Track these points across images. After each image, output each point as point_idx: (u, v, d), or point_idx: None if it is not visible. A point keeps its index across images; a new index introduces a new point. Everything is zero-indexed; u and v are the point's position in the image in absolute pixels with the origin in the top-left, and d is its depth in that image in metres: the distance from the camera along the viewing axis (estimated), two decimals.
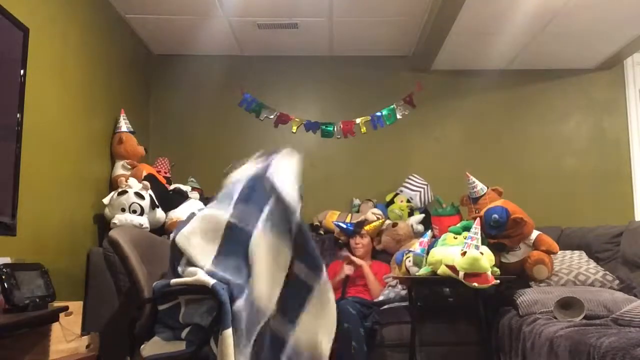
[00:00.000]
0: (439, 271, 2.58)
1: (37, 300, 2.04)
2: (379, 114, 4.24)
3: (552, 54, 4.00)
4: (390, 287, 3.17)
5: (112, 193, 3.07)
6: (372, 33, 3.89)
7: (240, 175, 2.12)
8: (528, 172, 4.18)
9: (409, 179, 3.94)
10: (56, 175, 2.73)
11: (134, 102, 3.86)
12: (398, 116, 4.24)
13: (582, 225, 3.59)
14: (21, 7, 2.36)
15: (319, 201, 3.99)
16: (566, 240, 3.47)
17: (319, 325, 1.90)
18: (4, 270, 1.96)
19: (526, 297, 2.68)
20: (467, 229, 2.71)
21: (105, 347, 2.53)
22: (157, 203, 3.16)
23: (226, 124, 4.21)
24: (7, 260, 2.16)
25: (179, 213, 3.27)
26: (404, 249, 3.12)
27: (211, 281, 1.82)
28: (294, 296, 1.91)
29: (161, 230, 3.23)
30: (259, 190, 2.03)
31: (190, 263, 1.92)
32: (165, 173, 3.71)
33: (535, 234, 2.93)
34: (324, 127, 4.22)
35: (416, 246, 2.87)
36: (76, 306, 2.34)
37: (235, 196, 2.04)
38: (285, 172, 2.06)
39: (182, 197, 3.41)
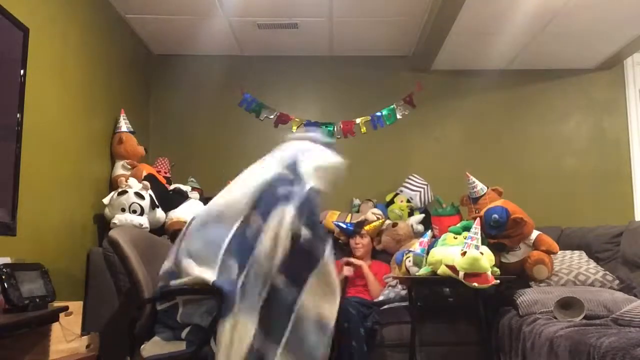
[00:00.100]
0: (439, 271, 2.58)
1: (37, 300, 2.04)
2: (379, 114, 4.24)
3: (552, 54, 4.00)
4: (390, 287, 3.18)
5: (112, 193, 3.07)
6: (372, 33, 3.89)
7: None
8: (528, 172, 4.18)
9: (409, 179, 3.94)
10: (56, 175, 2.73)
11: (134, 102, 3.86)
12: (398, 116, 4.24)
13: (582, 225, 3.59)
14: (21, 7, 2.36)
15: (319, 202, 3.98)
16: (566, 240, 3.47)
17: (323, 292, 1.91)
18: (4, 270, 1.96)
19: (526, 297, 2.68)
20: (467, 229, 2.71)
21: (105, 347, 2.53)
22: (157, 203, 3.16)
23: (226, 124, 4.21)
24: (7, 260, 2.16)
25: (179, 213, 3.28)
26: (404, 249, 3.12)
27: (211, 279, 1.83)
28: (301, 263, 1.91)
29: (161, 230, 3.23)
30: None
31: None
32: (165, 173, 3.71)
33: (535, 234, 2.93)
34: (324, 127, 4.22)
35: (416, 246, 2.87)
36: (76, 306, 2.34)
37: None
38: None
39: (182, 197, 3.41)
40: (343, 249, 3.56)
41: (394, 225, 3.53)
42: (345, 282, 3.24)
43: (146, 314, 2.04)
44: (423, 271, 2.70)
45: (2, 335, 1.87)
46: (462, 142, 4.23)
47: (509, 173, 4.14)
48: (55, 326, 2.16)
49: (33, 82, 2.44)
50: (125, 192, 3.02)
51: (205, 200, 3.55)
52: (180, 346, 1.91)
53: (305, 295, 1.89)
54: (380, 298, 3.14)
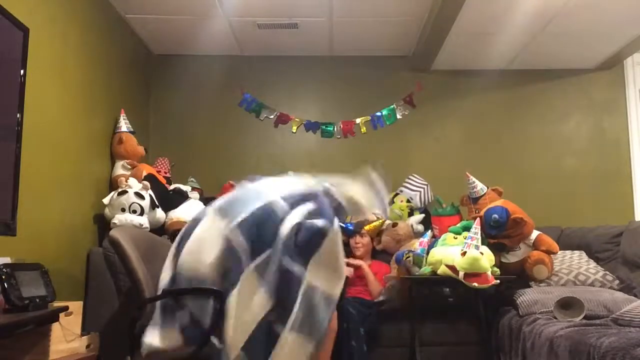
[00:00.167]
0: (439, 271, 2.58)
1: (37, 300, 2.04)
2: (379, 114, 4.24)
3: (552, 54, 4.00)
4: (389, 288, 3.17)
5: (112, 193, 3.07)
6: (372, 33, 3.89)
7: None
8: (528, 172, 4.18)
9: (409, 179, 3.94)
10: (56, 175, 2.73)
11: (134, 102, 3.86)
12: (398, 116, 4.24)
13: (582, 225, 3.59)
14: (21, 7, 2.36)
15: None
16: (566, 240, 3.47)
17: (328, 271, 1.97)
18: (4, 270, 1.96)
19: (526, 297, 2.68)
20: (467, 229, 2.71)
21: (105, 347, 2.53)
22: (157, 203, 3.16)
23: (226, 124, 4.21)
24: (7, 260, 2.16)
25: (179, 213, 3.27)
26: (404, 249, 3.12)
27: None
28: (307, 242, 1.98)
29: (161, 230, 3.23)
30: None
31: None
32: (165, 173, 3.71)
33: (535, 234, 2.93)
34: (324, 127, 4.22)
35: (416, 246, 2.87)
36: (76, 306, 2.34)
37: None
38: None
39: (182, 197, 3.41)
40: (343, 249, 3.56)
41: (394, 225, 3.53)
42: (345, 282, 3.23)
43: (147, 313, 2.04)
44: (423, 271, 2.70)
45: (2, 335, 1.87)
46: (462, 142, 4.23)
47: (509, 173, 4.14)
48: (55, 326, 2.16)
49: (33, 82, 2.43)
50: (125, 192, 3.02)
51: (205, 200, 3.55)
52: (175, 336, 1.93)
53: (310, 274, 1.95)
54: (380, 298, 3.13)
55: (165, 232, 3.22)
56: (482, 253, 2.47)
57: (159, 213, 3.19)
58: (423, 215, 3.78)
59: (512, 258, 2.90)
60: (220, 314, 1.95)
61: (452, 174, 3.97)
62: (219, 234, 1.98)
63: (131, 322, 2.04)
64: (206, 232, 2.01)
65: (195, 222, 2.08)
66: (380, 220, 3.57)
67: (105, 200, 3.05)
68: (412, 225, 3.62)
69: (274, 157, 4.16)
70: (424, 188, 3.88)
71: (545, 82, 4.27)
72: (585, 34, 3.66)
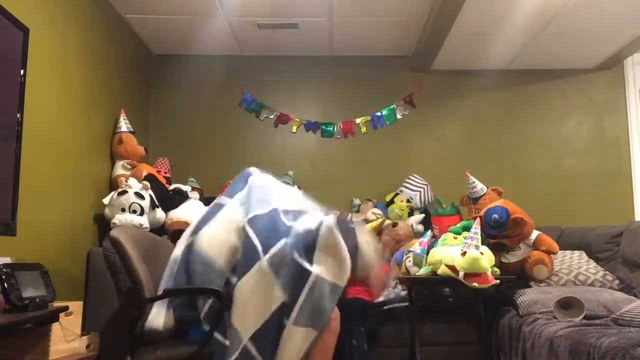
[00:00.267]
0: (439, 271, 2.58)
1: (37, 300, 2.04)
2: (379, 114, 4.24)
3: (552, 54, 4.00)
4: (390, 288, 3.17)
5: (112, 193, 3.07)
6: (372, 33, 3.89)
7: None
8: (528, 172, 4.18)
9: (409, 179, 3.94)
10: (56, 175, 2.73)
11: (134, 102, 3.86)
12: (398, 116, 4.24)
13: (582, 225, 3.59)
14: (21, 7, 2.36)
15: (319, 201, 3.98)
16: (566, 240, 3.47)
17: (334, 262, 2.07)
18: (4, 270, 1.96)
19: (526, 297, 2.68)
20: (467, 229, 2.71)
21: (105, 347, 2.53)
22: (157, 203, 3.16)
23: (226, 124, 4.21)
24: (7, 260, 2.16)
25: (179, 213, 3.27)
26: (403, 249, 3.12)
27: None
28: (305, 239, 2.11)
29: (161, 230, 3.23)
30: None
31: None
32: (165, 173, 3.71)
33: (535, 234, 2.93)
34: (324, 127, 4.22)
35: (416, 246, 2.87)
36: (76, 306, 2.35)
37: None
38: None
39: (182, 197, 3.41)
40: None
41: (394, 225, 3.53)
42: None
43: (147, 313, 2.04)
44: (423, 271, 2.70)
45: (2, 335, 1.87)
46: (462, 142, 4.23)
47: (509, 173, 4.14)
48: (55, 326, 2.16)
49: (33, 82, 2.44)
50: (125, 192, 3.02)
51: (205, 200, 3.55)
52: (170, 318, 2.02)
53: (317, 267, 2.04)
54: (380, 299, 3.13)
55: (165, 232, 3.22)
56: (482, 253, 2.47)
57: (159, 213, 3.19)
58: (423, 215, 3.78)
59: (512, 258, 2.90)
60: (221, 313, 1.98)
61: (452, 174, 3.97)
62: (238, 224, 2.18)
63: (131, 322, 2.04)
64: (229, 219, 2.20)
65: (219, 206, 2.27)
66: (381, 219, 3.58)
67: (105, 200, 3.05)
68: (412, 225, 3.62)
69: (274, 157, 4.16)
70: (424, 188, 3.88)
71: (545, 82, 4.27)
72: (585, 34, 3.66)
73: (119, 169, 3.37)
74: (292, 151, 4.20)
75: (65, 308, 2.19)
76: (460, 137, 4.24)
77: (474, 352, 2.86)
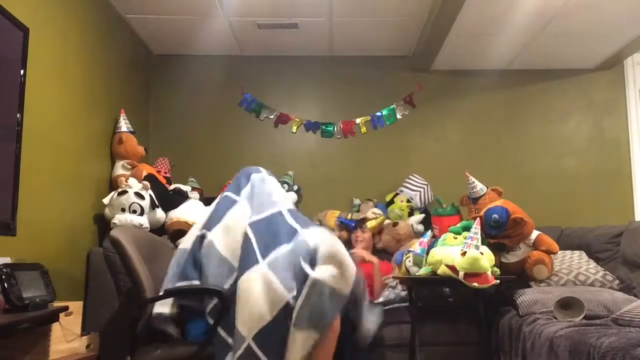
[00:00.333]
0: (439, 271, 2.58)
1: (37, 300, 2.04)
2: (379, 114, 4.24)
3: (552, 54, 4.00)
4: (390, 288, 3.17)
5: (112, 193, 3.07)
6: (372, 33, 3.89)
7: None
8: (528, 172, 4.18)
9: (409, 179, 3.94)
10: (56, 175, 2.73)
11: (134, 102, 3.86)
12: (398, 116, 4.24)
13: (582, 225, 3.59)
14: (21, 7, 2.36)
15: (319, 201, 3.99)
16: (566, 240, 3.47)
17: (334, 269, 2.06)
18: (4, 270, 1.96)
19: (526, 297, 2.68)
20: (467, 229, 2.71)
21: (105, 347, 2.53)
22: (157, 203, 3.16)
23: (226, 124, 4.21)
24: (7, 260, 2.16)
25: (179, 213, 3.27)
26: (403, 249, 3.12)
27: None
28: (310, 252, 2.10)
29: (161, 230, 3.23)
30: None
31: None
32: (165, 173, 3.71)
33: (535, 234, 2.93)
34: (324, 127, 4.22)
35: (416, 246, 2.87)
36: (76, 306, 2.35)
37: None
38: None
39: (182, 197, 3.41)
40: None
41: (395, 224, 3.54)
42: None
43: (147, 314, 2.05)
44: (423, 271, 2.70)
45: (2, 335, 1.87)
46: (462, 142, 4.23)
47: (509, 173, 4.14)
48: (55, 326, 2.16)
49: (33, 82, 2.43)
50: (125, 192, 3.02)
51: (205, 200, 3.55)
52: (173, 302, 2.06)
53: (317, 270, 2.04)
54: (380, 299, 3.13)
55: (165, 232, 3.22)
56: (482, 253, 2.47)
57: (159, 213, 3.19)
58: (423, 215, 3.78)
59: (512, 258, 2.90)
60: (222, 312, 1.99)
61: (452, 174, 3.97)
62: (245, 223, 2.21)
63: (132, 322, 2.04)
64: (239, 218, 2.24)
65: (231, 202, 2.32)
66: (382, 217, 3.59)
67: (105, 200, 3.05)
68: (412, 225, 3.63)
69: (274, 157, 4.16)
70: (424, 188, 3.88)
71: (545, 82, 4.27)
72: (585, 34, 3.66)
73: (119, 169, 3.37)
74: (292, 151, 4.20)
75: (65, 308, 2.19)
76: (460, 137, 4.24)
77: (474, 352, 2.86)
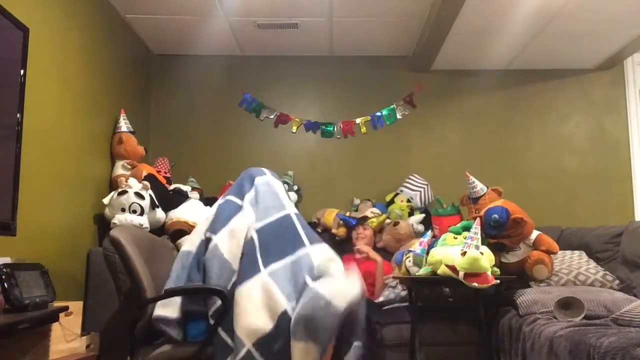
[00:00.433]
0: (439, 271, 2.58)
1: (37, 300, 2.04)
2: (379, 114, 4.24)
3: (552, 54, 4.00)
4: (390, 288, 3.17)
5: (112, 193, 3.07)
6: (372, 33, 3.89)
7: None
8: (528, 172, 4.18)
9: (409, 179, 3.94)
10: (56, 175, 2.73)
11: (134, 102, 3.86)
12: (398, 116, 4.24)
13: (582, 225, 3.59)
14: (21, 7, 2.37)
15: (319, 201, 3.99)
16: (566, 240, 3.47)
17: (334, 284, 2.04)
18: (4, 270, 1.96)
19: (526, 297, 2.68)
20: (467, 229, 2.71)
21: (105, 347, 2.53)
22: (157, 203, 3.16)
23: (226, 124, 4.21)
24: (7, 260, 2.16)
25: (179, 213, 3.27)
26: (403, 249, 3.12)
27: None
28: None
29: (161, 230, 3.23)
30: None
31: None
32: (165, 173, 3.71)
33: (535, 234, 2.93)
34: (324, 127, 4.22)
35: (416, 246, 2.87)
36: (76, 306, 2.35)
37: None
38: None
39: (182, 197, 3.41)
40: (340, 246, 3.58)
41: (396, 224, 3.54)
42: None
43: (148, 314, 2.05)
44: (423, 271, 2.70)
45: (2, 335, 1.87)
46: (462, 142, 4.23)
47: (509, 173, 4.14)
48: (55, 326, 2.16)
49: (33, 82, 2.44)
50: (125, 192, 3.02)
51: (205, 200, 3.55)
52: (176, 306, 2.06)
53: (318, 284, 2.03)
54: (380, 299, 3.13)
55: (165, 232, 3.22)
56: (482, 253, 2.46)
57: (159, 213, 3.19)
58: (423, 215, 3.78)
59: (512, 258, 2.90)
60: (223, 313, 1.99)
61: (452, 174, 3.98)
62: (248, 229, 2.20)
63: (132, 322, 2.04)
64: (244, 224, 2.22)
65: (236, 207, 2.29)
66: (383, 216, 3.59)
67: (105, 200, 3.05)
68: (412, 225, 3.63)
69: (274, 157, 4.16)
70: (424, 188, 3.88)
71: (545, 82, 4.27)
72: (585, 34, 3.66)
73: (119, 169, 3.37)
74: (292, 151, 4.20)
75: (65, 308, 2.19)
76: (460, 137, 4.24)
77: (474, 352, 2.86)
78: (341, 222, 3.63)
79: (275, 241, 2.16)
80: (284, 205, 2.28)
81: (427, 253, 2.75)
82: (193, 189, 3.62)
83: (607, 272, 2.97)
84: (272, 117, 4.22)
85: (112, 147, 3.42)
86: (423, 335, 2.82)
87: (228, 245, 2.17)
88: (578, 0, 3.20)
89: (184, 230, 3.18)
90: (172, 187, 3.51)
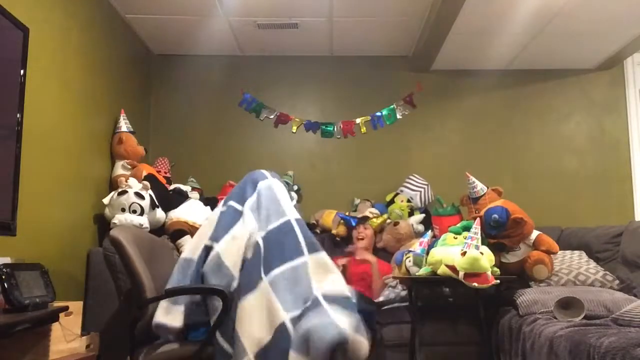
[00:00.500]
0: (439, 271, 2.58)
1: (37, 300, 2.04)
2: (379, 114, 4.24)
3: (552, 54, 4.00)
4: (390, 288, 3.17)
5: (112, 193, 3.07)
6: (372, 33, 3.89)
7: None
8: (528, 172, 4.18)
9: (409, 179, 3.94)
10: (56, 175, 2.73)
11: (134, 102, 3.86)
12: (398, 116, 4.24)
13: (582, 225, 3.60)
14: (21, 7, 2.37)
15: (319, 201, 3.99)
16: (566, 240, 3.47)
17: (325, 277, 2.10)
18: (4, 270, 1.96)
19: (526, 297, 2.68)
20: (467, 229, 2.71)
21: (105, 347, 2.53)
22: (157, 203, 3.16)
23: (226, 124, 4.21)
24: (7, 260, 2.16)
25: (179, 213, 3.27)
26: (403, 249, 3.12)
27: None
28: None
29: (161, 230, 3.23)
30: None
31: None
32: (165, 173, 3.71)
33: (535, 234, 2.93)
34: (324, 127, 4.22)
35: (416, 246, 2.87)
36: (76, 306, 2.34)
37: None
38: None
39: (182, 197, 3.41)
40: (340, 246, 3.59)
41: (396, 224, 3.54)
42: (344, 273, 3.25)
43: (148, 314, 2.05)
44: (423, 271, 2.70)
45: (2, 335, 1.87)
46: (462, 142, 4.23)
47: (509, 173, 4.14)
48: (55, 326, 2.16)
49: (33, 82, 2.44)
50: (125, 192, 3.02)
51: (205, 200, 3.55)
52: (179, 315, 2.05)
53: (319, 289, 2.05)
54: (380, 299, 3.13)
55: (165, 232, 3.22)
56: (482, 253, 2.47)
57: (159, 213, 3.19)
58: (423, 215, 3.78)
59: (512, 258, 2.90)
60: (224, 314, 1.99)
61: (452, 174, 3.98)
62: (250, 236, 2.20)
63: (132, 322, 2.04)
64: (245, 231, 2.22)
65: (237, 213, 2.28)
66: (384, 216, 3.59)
67: (105, 200, 3.05)
68: (412, 225, 3.63)
69: (274, 157, 4.16)
70: (424, 188, 3.88)
71: (545, 82, 4.27)
72: (585, 34, 3.66)
73: (119, 169, 3.37)
74: (292, 151, 4.20)
75: (65, 308, 2.19)
76: (460, 137, 4.24)
77: (474, 352, 2.86)
78: (341, 221, 3.63)
79: (276, 249, 2.16)
80: (284, 212, 2.27)
81: (427, 253, 2.75)
82: (193, 189, 3.62)
83: (607, 272, 2.97)
84: (272, 117, 4.22)
85: (112, 147, 3.42)
86: (423, 335, 2.82)
87: (229, 252, 2.16)
88: (578, 0, 3.20)
89: (184, 230, 3.18)
90: (172, 187, 3.51)
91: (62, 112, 2.80)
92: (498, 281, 2.50)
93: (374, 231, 3.55)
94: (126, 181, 3.11)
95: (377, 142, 4.21)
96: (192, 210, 3.30)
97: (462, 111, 4.26)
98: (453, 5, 3.19)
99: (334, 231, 3.63)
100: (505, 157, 4.20)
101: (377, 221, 3.56)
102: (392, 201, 3.87)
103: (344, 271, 3.25)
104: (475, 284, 2.43)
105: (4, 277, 1.94)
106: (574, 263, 3.03)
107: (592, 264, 3.06)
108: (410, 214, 3.80)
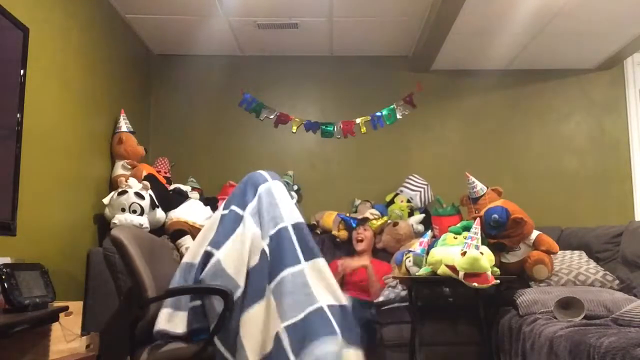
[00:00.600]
0: (439, 271, 2.58)
1: (37, 300, 2.04)
2: (379, 114, 4.24)
3: (552, 54, 4.00)
4: (390, 288, 3.17)
5: (112, 193, 3.07)
6: (372, 33, 3.89)
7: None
8: (528, 172, 4.18)
9: (409, 179, 3.94)
10: (56, 175, 2.73)
11: (134, 102, 3.86)
12: (398, 116, 4.24)
13: (582, 225, 3.60)
14: (21, 7, 2.37)
15: (319, 201, 3.99)
16: (566, 240, 3.47)
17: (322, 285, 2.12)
18: (4, 270, 1.96)
19: (526, 297, 2.68)
20: (467, 229, 2.71)
21: (105, 347, 2.53)
22: (157, 203, 3.16)
23: (226, 124, 4.21)
24: (7, 260, 2.16)
25: (179, 213, 3.27)
26: (403, 249, 3.12)
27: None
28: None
29: (161, 230, 3.23)
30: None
31: None
32: (165, 173, 3.71)
33: (535, 234, 2.93)
34: (324, 127, 4.22)
35: (416, 246, 2.87)
36: (76, 306, 2.34)
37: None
38: None
39: (182, 197, 3.41)
40: (340, 248, 3.59)
41: (395, 224, 3.54)
42: (342, 282, 3.24)
43: (149, 314, 2.05)
44: (423, 271, 2.70)
45: (2, 335, 1.86)
46: (462, 142, 4.23)
47: (509, 173, 4.14)
48: (55, 326, 2.16)
49: (33, 82, 2.44)
50: (125, 192, 3.02)
51: (205, 200, 3.55)
52: (182, 321, 2.05)
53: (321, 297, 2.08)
54: (380, 299, 3.13)
55: (165, 232, 3.22)
56: (482, 253, 2.47)
57: (159, 213, 3.19)
58: (423, 215, 3.78)
59: (512, 258, 2.90)
60: (224, 315, 1.99)
61: (452, 174, 3.98)
62: (253, 242, 2.20)
63: (132, 322, 2.04)
64: (247, 236, 2.21)
65: (238, 218, 2.27)
66: (384, 218, 3.59)
67: (105, 200, 3.05)
68: (412, 225, 3.63)
69: (274, 157, 4.16)
70: (424, 188, 3.88)
71: (545, 82, 4.27)
72: (585, 34, 3.66)
73: (119, 169, 3.37)
74: (292, 151, 4.20)
75: (65, 308, 2.19)
76: (460, 137, 4.24)
77: (474, 352, 2.86)
78: (342, 221, 3.63)
79: (275, 256, 2.16)
80: (282, 217, 2.26)
81: (427, 253, 2.76)
82: (193, 189, 3.62)
83: (607, 272, 2.97)
84: (272, 117, 4.22)
85: (112, 147, 3.42)
86: (423, 335, 2.82)
87: (231, 259, 2.15)
88: (578, 0, 3.20)
89: (184, 230, 3.18)
90: (172, 187, 3.51)
91: (62, 112, 2.80)
92: (498, 281, 2.51)
93: (374, 233, 3.55)
94: (126, 181, 3.11)
95: (377, 142, 4.21)
96: (192, 210, 3.30)
97: (462, 111, 4.26)
98: (453, 5, 3.19)
99: (334, 233, 3.63)
100: (505, 157, 4.20)
101: (377, 223, 3.56)
102: (392, 201, 3.87)
103: (342, 280, 3.25)
104: (475, 284, 2.43)
105: (4, 277, 1.94)
106: (574, 263, 3.03)
107: (592, 264, 3.06)
108: (410, 214, 3.80)
